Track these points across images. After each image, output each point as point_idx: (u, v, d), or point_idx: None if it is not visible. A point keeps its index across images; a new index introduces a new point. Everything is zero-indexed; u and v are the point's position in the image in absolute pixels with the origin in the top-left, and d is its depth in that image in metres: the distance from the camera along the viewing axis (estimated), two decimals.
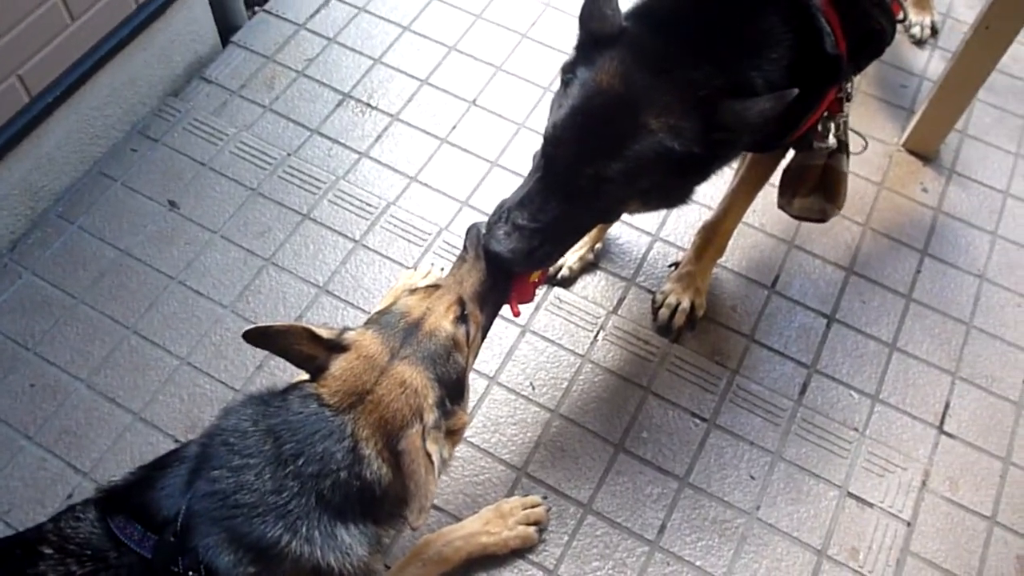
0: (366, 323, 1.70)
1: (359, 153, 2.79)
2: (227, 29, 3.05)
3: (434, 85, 2.98)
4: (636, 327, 2.51)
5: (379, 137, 2.83)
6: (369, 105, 2.90)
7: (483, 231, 1.82)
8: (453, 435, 1.67)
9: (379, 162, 2.78)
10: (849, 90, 2.09)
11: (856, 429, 2.40)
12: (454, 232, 2.62)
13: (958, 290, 2.68)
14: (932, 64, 3.15)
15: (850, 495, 2.29)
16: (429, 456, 1.51)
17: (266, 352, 2.31)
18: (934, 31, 3.23)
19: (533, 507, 2.17)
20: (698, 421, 2.36)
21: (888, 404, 2.46)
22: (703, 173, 1.89)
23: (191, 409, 2.29)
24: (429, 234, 2.62)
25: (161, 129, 2.76)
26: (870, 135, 2.93)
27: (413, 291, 1.75)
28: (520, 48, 3.09)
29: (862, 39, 1.97)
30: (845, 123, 2.14)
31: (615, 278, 2.61)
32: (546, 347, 2.45)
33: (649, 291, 2.58)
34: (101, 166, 2.69)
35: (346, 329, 1.66)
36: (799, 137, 2.14)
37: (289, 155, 2.74)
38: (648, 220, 2.71)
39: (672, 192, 1.90)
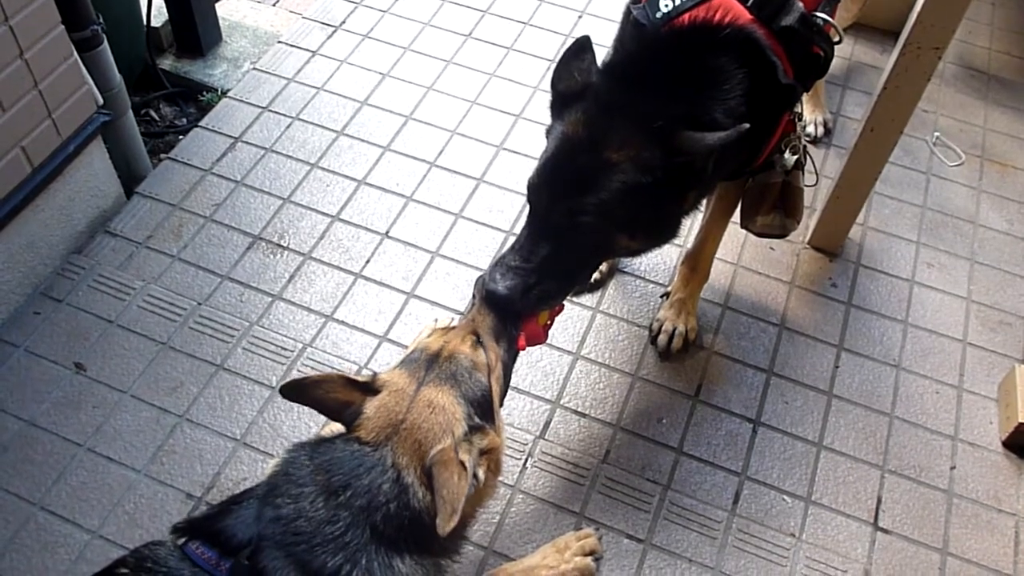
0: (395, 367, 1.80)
1: (272, 296, 2.75)
2: (132, 179, 3.02)
3: (346, 220, 2.97)
4: (565, 450, 2.48)
5: (292, 278, 2.80)
6: (280, 246, 2.88)
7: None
8: (489, 456, 1.71)
9: (293, 303, 2.74)
10: (799, 110, 2.28)
11: (792, 535, 2.38)
12: (372, 369, 2.58)
13: (877, 382, 2.72)
14: (829, 162, 3.26)
15: None
16: (463, 464, 1.59)
17: (185, 516, 2.25)
18: (827, 130, 3.36)
19: (586, 538, 2.26)
20: (634, 542, 2.32)
21: (821, 505, 2.45)
22: (678, 202, 2.01)
23: None
24: (348, 373, 2.56)
25: (65, 289, 2.68)
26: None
27: (430, 334, 1.89)
28: (429, 176, 3.12)
29: (805, 63, 2.13)
30: (800, 140, 2.31)
31: (540, 401, 2.58)
32: None
33: (576, 412, 2.56)
34: (1, 333, 2.58)
35: (376, 374, 1.75)
36: (763, 161, 2.32)
37: (200, 304, 2.69)
38: (568, 339, 2.71)
39: (655, 224, 2.02)
